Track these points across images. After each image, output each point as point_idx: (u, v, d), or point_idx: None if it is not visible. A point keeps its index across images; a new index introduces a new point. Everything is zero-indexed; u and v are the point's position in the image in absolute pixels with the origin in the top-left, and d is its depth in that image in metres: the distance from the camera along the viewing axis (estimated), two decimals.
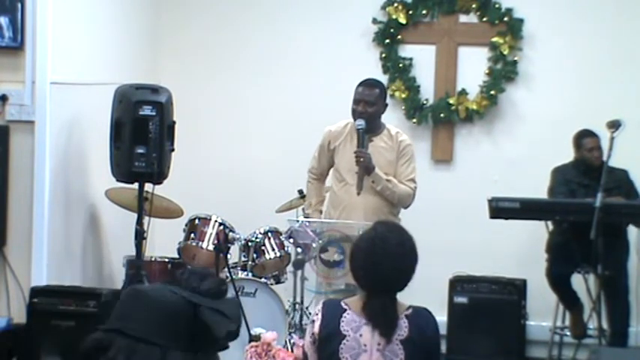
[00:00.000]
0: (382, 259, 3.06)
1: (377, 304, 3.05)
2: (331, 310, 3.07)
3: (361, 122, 5.27)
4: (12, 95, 5.29)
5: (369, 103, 5.34)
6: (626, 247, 6.02)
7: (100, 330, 2.85)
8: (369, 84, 5.43)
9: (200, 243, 5.71)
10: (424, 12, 6.77)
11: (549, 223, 6.01)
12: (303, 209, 5.85)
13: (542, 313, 6.31)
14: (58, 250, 5.45)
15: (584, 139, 6.04)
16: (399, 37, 6.80)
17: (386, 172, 5.33)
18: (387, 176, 5.32)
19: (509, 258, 6.54)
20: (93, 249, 5.94)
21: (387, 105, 5.51)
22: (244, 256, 5.80)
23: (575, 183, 6.00)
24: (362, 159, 5.24)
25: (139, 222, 5.22)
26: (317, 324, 3.06)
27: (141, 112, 5.13)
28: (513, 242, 6.55)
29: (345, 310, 3.05)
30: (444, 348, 6.09)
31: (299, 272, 5.36)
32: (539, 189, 6.07)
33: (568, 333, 6.15)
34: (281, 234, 5.74)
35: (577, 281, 6.02)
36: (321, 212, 5.54)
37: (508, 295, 6.17)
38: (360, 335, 3.00)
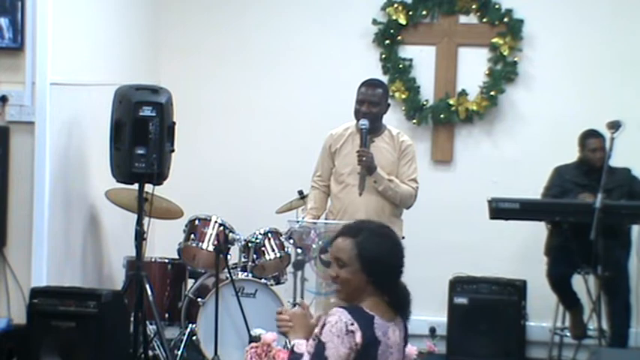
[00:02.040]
0: (401, 250, 3.09)
1: (404, 293, 3.07)
2: (363, 318, 2.97)
3: (365, 122, 5.28)
4: (12, 96, 5.27)
5: (373, 103, 5.34)
6: (626, 247, 6.02)
7: None
8: (372, 84, 5.44)
9: (200, 244, 5.71)
10: (424, 13, 6.77)
11: None
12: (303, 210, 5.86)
13: (542, 313, 6.31)
14: (58, 250, 5.44)
15: (589, 139, 6.03)
16: (399, 37, 6.80)
17: (388, 172, 5.33)
18: (388, 176, 5.32)
19: (509, 258, 6.55)
20: (93, 250, 5.93)
21: (389, 105, 5.52)
22: (244, 256, 5.80)
23: (572, 182, 6.00)
24: (364, 158, 5.24)
25: (139, 223, 5.21)
26: (358, 334, 2.92)
27: (141, 113, 5.12)
28: (513, 243, 6.56)
29: (373, 316, 2.99)
30: (444, 348, 6.10)
31: (299, 273, 5.36)
32: (539, 189, 6.07)
33: (568, 334, 6.14)
34: (281, 235, 5.75)
35: (577, 282, 6.02)
36: (316, 218, 5.51)
37: (508, 295, 6.16)
38: (388, 338, 3.01)
